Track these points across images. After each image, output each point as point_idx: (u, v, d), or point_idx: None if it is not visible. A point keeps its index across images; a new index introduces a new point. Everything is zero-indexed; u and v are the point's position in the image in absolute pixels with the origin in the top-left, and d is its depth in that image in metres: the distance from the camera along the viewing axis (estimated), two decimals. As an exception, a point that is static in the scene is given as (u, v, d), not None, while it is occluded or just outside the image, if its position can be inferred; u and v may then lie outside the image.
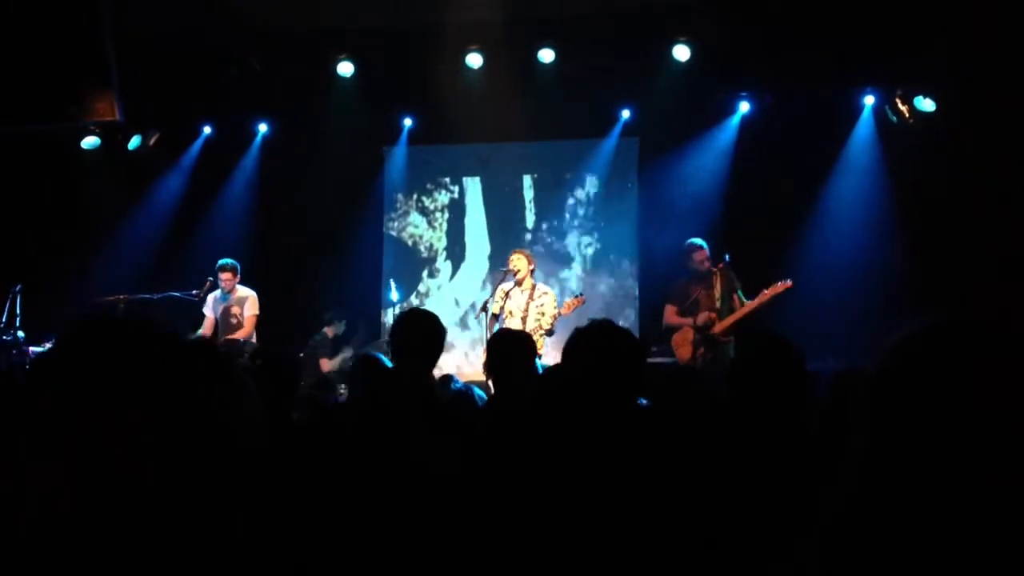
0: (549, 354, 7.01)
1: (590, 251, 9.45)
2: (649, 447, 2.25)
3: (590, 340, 2.30)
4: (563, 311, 7.12)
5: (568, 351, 2.33)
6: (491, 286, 7.54)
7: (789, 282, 6.97)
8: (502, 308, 7.31)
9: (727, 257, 7.17)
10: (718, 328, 7.09)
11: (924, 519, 0.97)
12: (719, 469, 2.29)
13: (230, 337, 7.81)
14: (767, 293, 6.99)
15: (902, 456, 1.02)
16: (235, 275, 8.00)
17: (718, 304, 7.14)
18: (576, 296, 7.32)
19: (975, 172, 7.61)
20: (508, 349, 3.80)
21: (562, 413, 2.22)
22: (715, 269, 7.19)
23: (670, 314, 7.38)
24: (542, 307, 7.20)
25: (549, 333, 7.08)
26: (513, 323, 7.14)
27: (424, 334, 3.42)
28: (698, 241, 7.33)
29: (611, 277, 9.38)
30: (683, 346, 7.29)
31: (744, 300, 7.16)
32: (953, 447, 1.00)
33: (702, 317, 7.13)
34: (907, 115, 8.20)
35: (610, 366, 2.26)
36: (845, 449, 1.05)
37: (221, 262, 8.01)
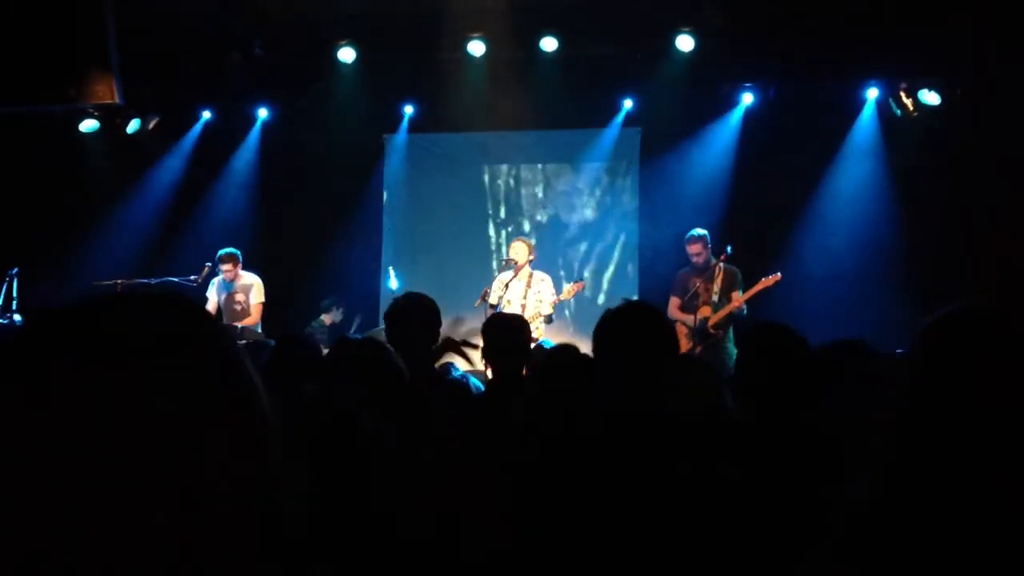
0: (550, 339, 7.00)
1: (590, 241, 9.41)
2: (666, 442, 2.21)
3: (623, 320, 2.25)
4: (563, 296, 7.13)
5: (603, 331, 2.27)
6: (492, 275, 7.52)
7: (778, 275, 7.02)
8: (501, 298, 7.32)
9: (729, 249, 7.16)
10: (712, 321, 7.10)
11: (958, 512, 0.94)
12: (732, 467, 2.25)
13: (230, 324, 7.76)
14: (756, 287, 7.03)
15: (936, 443, 0.98)
16: (236, 264, 7.91)
17: (715, 298, 7.14)
18: (577, 281, 7.31)
19: (979, 165, 7.58)
20: (503, 333, 3.79)
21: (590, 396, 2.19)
22: (719, 263, 7.18)
23: (673, 307, 7.38)
24: (540, 294, 7.21)
25: (548, 320, 7.08)
26: (512, 312, 7.14)
27: (427, 317, 3.45)
28: (695, 232, 7.33)
29: (611, 267, 9.35)
30: (680, 339, 7.29)
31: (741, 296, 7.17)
32: (986, 435, 0.95)
33: (696, 318, 7.13)
34: (911, 108, 8.17)
35: (646, 346, 2.20)
36: (872, 442, 1.01)
37: (221, 252, 7.92)
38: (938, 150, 7.83)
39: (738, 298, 7.13)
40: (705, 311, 7.16)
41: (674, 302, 7.39)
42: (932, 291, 7.28)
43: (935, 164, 7.83)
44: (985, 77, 7.53)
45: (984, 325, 1.01)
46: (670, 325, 2.29)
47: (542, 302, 7.16)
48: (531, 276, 7.33)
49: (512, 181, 9.63)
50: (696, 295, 7.21)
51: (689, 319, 7.20)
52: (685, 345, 7.23)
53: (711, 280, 7.19)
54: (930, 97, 8.02)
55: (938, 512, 0.96)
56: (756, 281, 7.15)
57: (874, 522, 0.99)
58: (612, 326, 2.25)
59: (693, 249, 7.28)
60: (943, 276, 7.42)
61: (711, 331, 7.10)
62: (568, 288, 7.22)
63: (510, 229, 9.37)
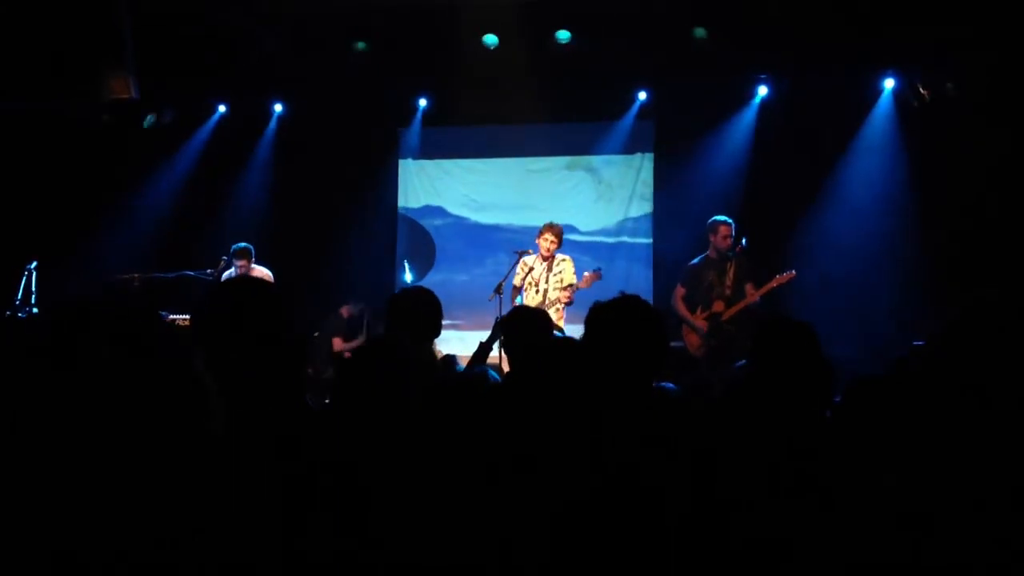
0: (572, 323, 6.99)
1: (604, 235, 9.40)
2: (666, 429, 2.22)
3: (612, 314, 2.27)
4: (581, 284, 7.09)
5: (589, 324, 2.30)
6: (506, 268, 7.52)
7: (792, 272, 6.97)
8: (523, 280, 7.33)
9: (744, 241, 7.12)
10: (725, 316, 7.06)
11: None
12: (736, 455, 2.26)
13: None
14: (771, 283, 6.98)
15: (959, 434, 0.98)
16: (250, 260, 8.02)
17: (729, 292, 7.09)
18: (594, 270, 7.21)
19: (996, 156, 7.51)
20: (523, 325, 3.79)
21: (581, 389, 2.20)
22: (731, 255, 7.13)
23: (677, 297, 7.34)
24: (560, 275, 7.19)
25: (569, 302, 7.07)
26: (533, 294, 7.20)
27: (425, 310, 3.48)
28: (724, 217, 7.26)
29: (625, 261, 9.32)
30: (691, 333, 7.27)
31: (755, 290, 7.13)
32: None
33: (710, 312, 7.09)
34: (928, 98, 8.11)
35: (632, 340, 2.22)
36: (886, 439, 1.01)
37: (235, 247, 8.01)
38: (955, 140, 7.76)
39: (752, 291, 7.07)
40: (719, 305, 7.12)
41: (679, 291, 7.33)
42: (948, 283, 7.24)
43: (952, 154, 7.76)
44: (1004, 66, 7.46)
45: (1011, 318, 1.01)
46: (658, 316, 2.31)
47: (561, 283, 7.15)
48: (553, 258, 7.31)
49: (525, 174, 9.61)
50: (710, 287, 7.17)
51: (696, 318, 7.17)
52: (696, 340, 7.22)
53: (724, 273, 7.14)
54: (947, 87, 7.95)
55: (962, 505, 0.96)
56: (770, 275, 7.09)
57: (895, 512, 0.99)
58: (601, 318, 2.28)
59: (724, 231, 7.12)
60: (960, 268, 7.36)
61: (726, 326, 7.06)
62: (586, 276, 7.16)
63: (523, 221, 9.36)
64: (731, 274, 7.10)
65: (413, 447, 2.12)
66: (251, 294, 1.85)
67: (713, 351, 7.02)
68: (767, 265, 7.31)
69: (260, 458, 1.42)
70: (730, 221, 7.21)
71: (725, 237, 7.13)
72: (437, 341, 3.90)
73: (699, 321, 7.17)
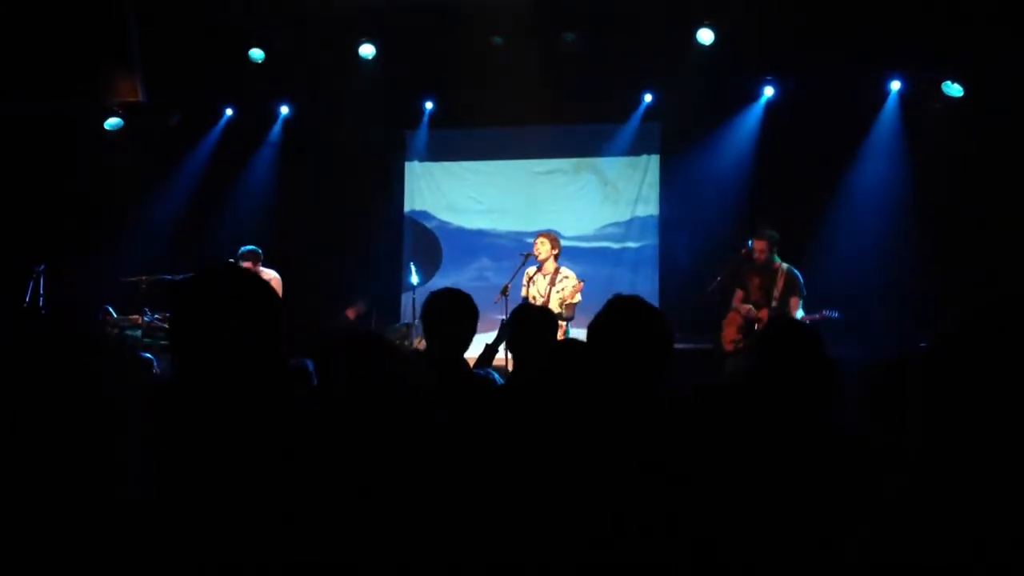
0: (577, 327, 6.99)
1: (610, 238, 9.39)
2: (669, 430, 2.22)
3: (615, 316, 2.27)
4: (568, 298, 7.04)
5: (592, 327, 2.29)
6: (512, 270, 7.51)
7: (836, 314, 6.90)
8: (527, 294, 7.31)
9: (750, 243, 7.12)
10: (762, 325, 7.05)
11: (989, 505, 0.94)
12: (738, 454, 2.26)
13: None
14: (817, 315, 6.92)
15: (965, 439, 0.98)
16: (256, 262, 7.94)
17: (775, 303, 7.06)
18: (579, 281, 7.17)
19: (1003, 158, 7.49)
20: (529, 324, 3.78)
21: (583, 392, 2.20)
22: (780, 264, 7.10)
23: (736, 299, 7.33)
24: (562, 292, 7.15)
25: (568, 318, 7.04)
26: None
27: (460, 313, 3.36)
28: (767, 232, 7.23)
29: (631, 263, 9.32)
30: (728, 327, 7.29)
31: (801, 305, 7.07)
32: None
33: (747, 309, 7.12)
34: (934, 100, 8.09)
35: (634, 341, 2.22)
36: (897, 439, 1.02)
37: (242, 250, 7.97)
38: (961, 141, 7.74)
39: (798, 304, 7.03)
40: (762, 312, 7.09)
41: (738, 294, 7.34)
42: (956, 284, 7.22)
43: (958, 155, 7.74)
44: (1011, 68, 7.43)
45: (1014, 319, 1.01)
46: (661, 319, 2.32)
47: (563, 298, 7.13)
48: (556, 272, 7.28)
49: (531, 176, 9.61)
50: (748, 294, 7.19)
51: (743, 308, 7.16)
52: (732, 333, 7.23)
53: (772, 283, 7.12)
54: (953, 89, 7.93)
55: (975, 508, 0.97)
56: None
57: (905, 517, 0.99)
58: (604, 320, 2.28)
59: (757, 247, 7.15)
60: (966, 268, 7.34)
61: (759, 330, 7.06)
62: (573, 288, 7.11)
63: (528, 224, 9.36)
64: (780, 285, 7.08)
65: (414, 447, 2.12)
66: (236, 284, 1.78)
67: (742, 350, 7.06)
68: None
69: (255, 455, 1.42)
70: (769, 234, 7.17)
71: (761, 252, 7.12)
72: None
73: (745, 307, 7.17)
